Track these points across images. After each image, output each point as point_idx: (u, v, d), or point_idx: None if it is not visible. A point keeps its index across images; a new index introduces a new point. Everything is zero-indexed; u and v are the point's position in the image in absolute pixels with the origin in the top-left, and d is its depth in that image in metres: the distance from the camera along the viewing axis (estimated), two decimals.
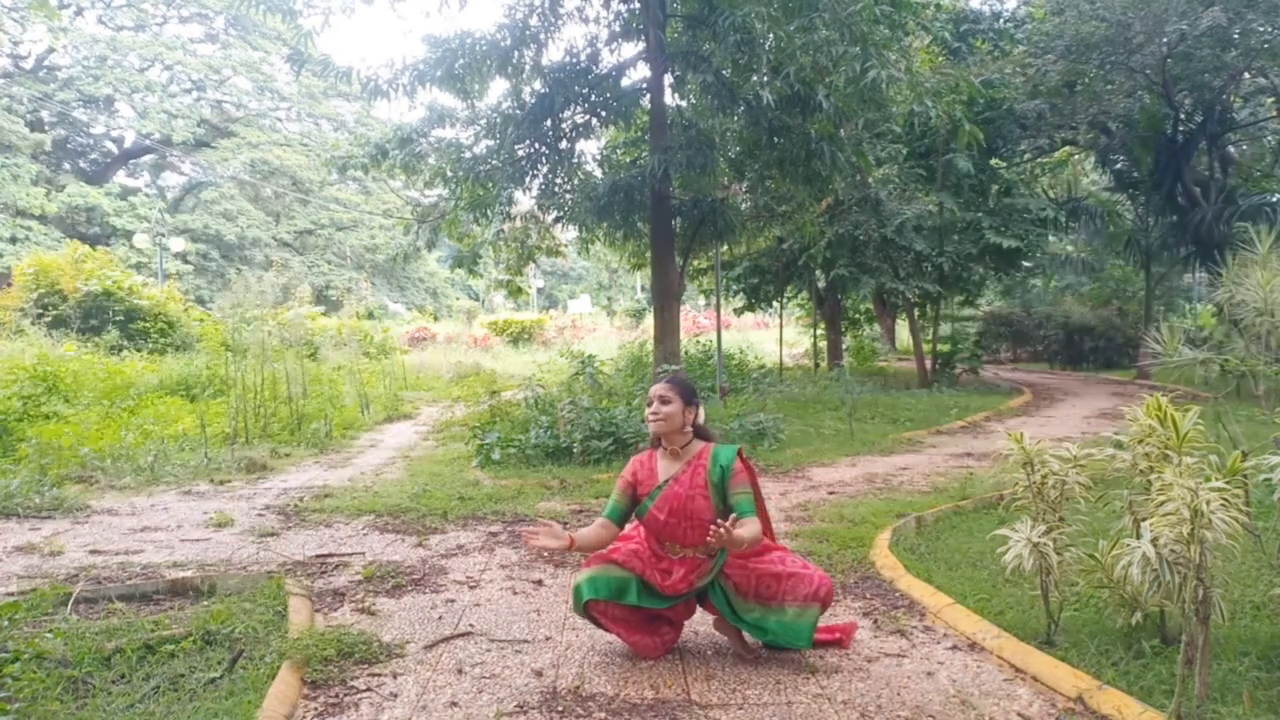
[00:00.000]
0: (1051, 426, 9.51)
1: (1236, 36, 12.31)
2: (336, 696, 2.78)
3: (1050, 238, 15.86)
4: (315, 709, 2.69)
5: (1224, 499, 2.35)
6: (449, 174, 10.37)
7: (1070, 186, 18.79)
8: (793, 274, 16.52)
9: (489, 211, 10.40)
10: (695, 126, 9.63)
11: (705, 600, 3.13)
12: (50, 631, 3.14)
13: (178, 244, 29.43)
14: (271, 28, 33.51)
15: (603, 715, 2.64)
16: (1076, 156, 18.82)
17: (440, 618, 3.57)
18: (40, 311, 15.42)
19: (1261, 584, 3.58)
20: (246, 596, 3.73)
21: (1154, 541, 2.41)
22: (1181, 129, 14.32)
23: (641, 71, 9.96)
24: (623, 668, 3.00)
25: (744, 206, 12.34)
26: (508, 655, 3.15)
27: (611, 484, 3.58)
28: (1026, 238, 13.78)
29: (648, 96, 9.79)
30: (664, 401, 3.07)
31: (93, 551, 4.73)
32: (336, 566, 4.40)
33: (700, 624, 3.34)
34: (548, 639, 3.32)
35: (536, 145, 9.93)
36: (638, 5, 9.44)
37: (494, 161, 9.93)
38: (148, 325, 16.07)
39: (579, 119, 10.12)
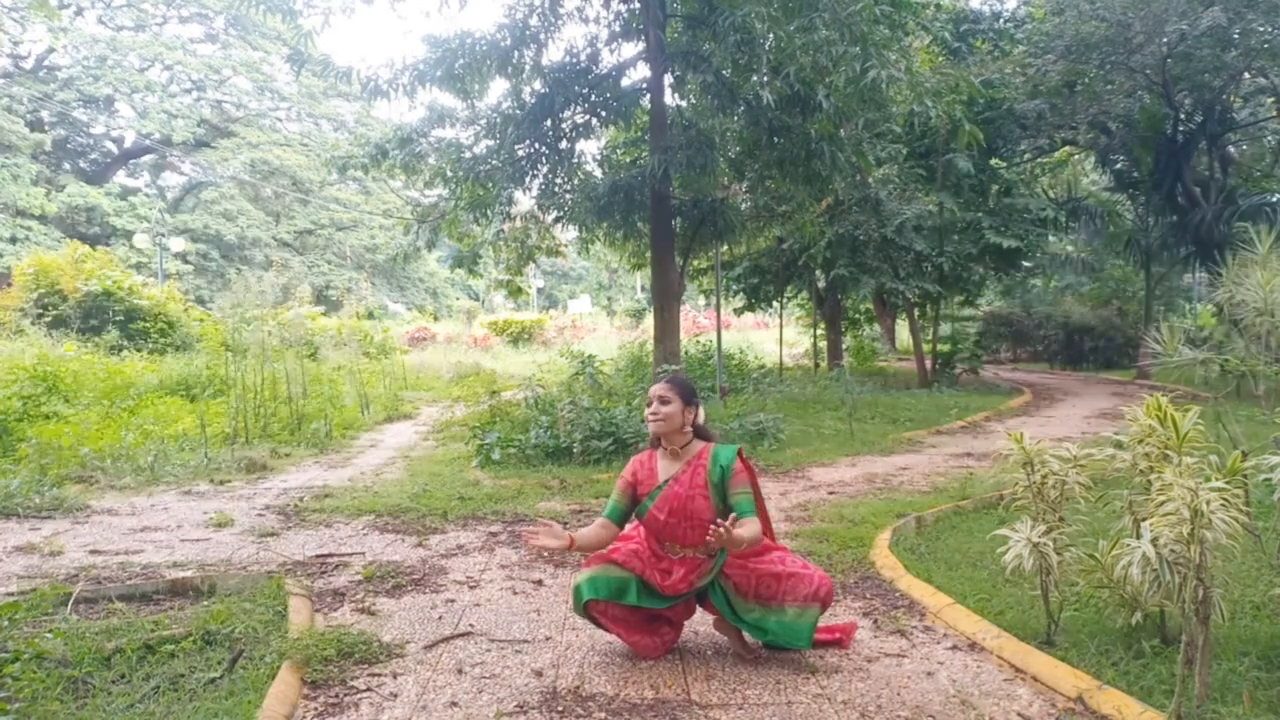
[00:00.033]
0: (1051, 426, 9.51)
1: (1236, 36, 12.31)
2: (336, 696, 2.78)
3: (1050, 238, 15.86)
4: (315, 709, 2.69)
5: (1224, 499, 2.35)
6: (449, 174, 10.37)
7: (1070, 186, 18.79)
8: (793, 274, 16.52)
9: (489, 211, 10.41)
10: (695, 126, 9.63)
11: (705, 600, 3.13)
12: (50, 631, 3.14)
13: (178, 244, 29.43)
14: (271, 28, 33.52)
15: (603, 715, 2.64)
16: (1076, 156, 18.82)
17: (440, 618, 3.57)
18: (40, 311, 15.42)
19: (1261, 584, 3.58)
20: (246, 596, 3.73)
21: (1154, 541, 2.41)
22: (1181, 129, 14.32)
23: (641, 71, 9.96)
24: (623, 668, 3.00)
25: (744, 206, 12.34)
26: (508, 655, 3.15)
27: (611, 484, 3.58)
28: (1026, 238, 13.78)
29: (648, 96, 9.79)
30: (663, 401, 3.07)
31: (93, 551, 4.73)
32: (336, 566, 4.40)
33: (700, 624, 3.34)
34: (548, 639, 3.32)
35: (536, 145, 9.93)
36: (638, 5, 9.44)
37: (494, 161, 9.93)
38: (148, 325, 16.07)
39: (579, 119, 10.12)
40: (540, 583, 4.08)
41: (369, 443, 9.57)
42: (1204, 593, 2.38)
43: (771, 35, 7.90)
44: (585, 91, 9.72)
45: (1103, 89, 13.67)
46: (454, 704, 2.73)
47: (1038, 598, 3.21)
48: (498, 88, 14.52)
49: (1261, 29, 12.51)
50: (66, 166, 34.72)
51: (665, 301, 10.02)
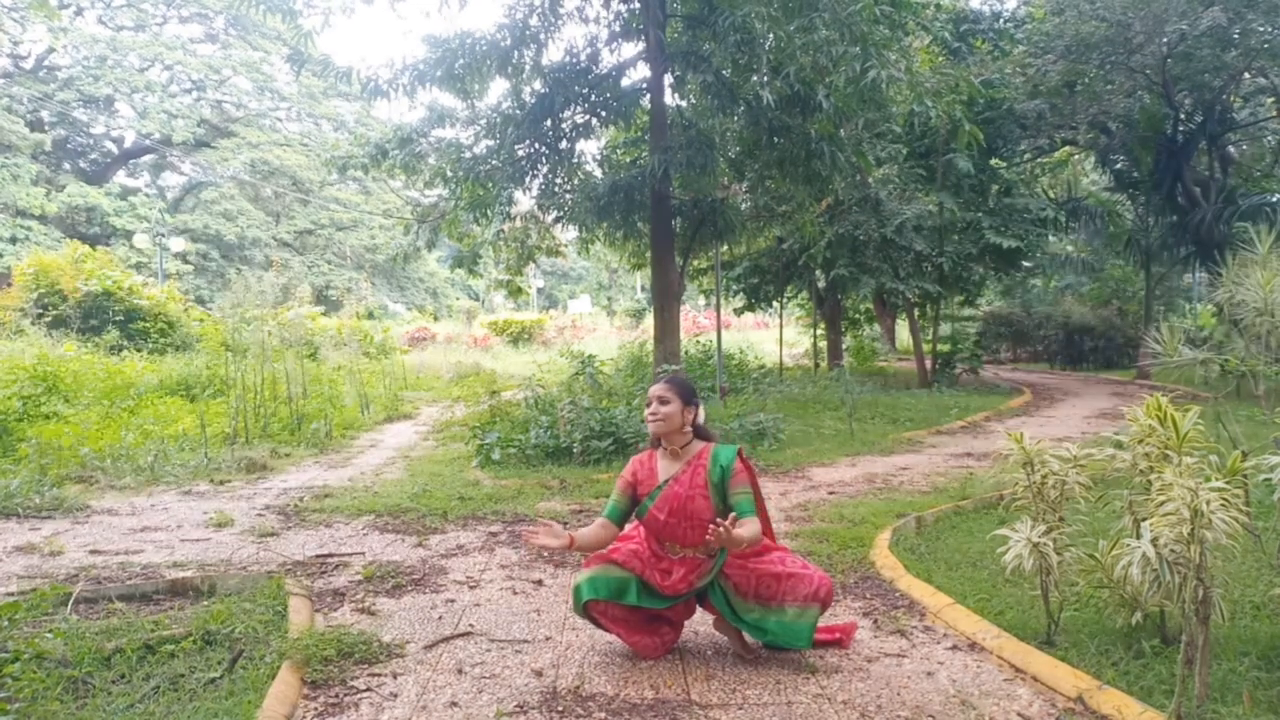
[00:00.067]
0: (1051, 426, 9.51)
1: (1236, 36, 12.31)
2: (336, 696, 2.78)
3: (1050, 238, 15.86)
4: (315, 709, 2.69)
5: (1224, 499, 2.35)
6: (449, 174, 10.37)
7: (1070, 186, 18.80)
8: (793, 274, 16.52)
9: (489, 211, 10.40)
10: (695, 126, 9.63)
11: (705, 600, 3.13)
12: (50, 631, 3.14)
13: (178, 244, 29.43)
14: (271, 28, 33.52)
15: (603, 715, 2.64)
16: (1076, 156, 18.82)
17: (440, 618, 3.57)
18: (40, 311, 15.42)
19: (1261, 584, 3.58)
20: (246, 596, 3.73)
21: (1154, 541, 2.41)
22: (1181, 129, 14.32)
23: (641, 71, 9.96)
24: (623, 668, 3.00)
25: (744, 206, 12.34)
26: (508, 655, 3.15)
27: (611, 484, 3.58)
28: (1026, 238, 13.78)
29: (648, 96, 9.79)
30: (663, 402, 3.07)
31: (93, 551, 4.73)
32: (336, 566, 4.40)
33: (700, 624, 3.34)
34: (548, 639, 3.32)
35: (536, 145, 9.93)
36: (638, 5, 9.44)
37: (494, 161, 9.93)
38: (148, 325, 16.08)
39: (579, 119, 10.12)
40: (540, 583, 4.08)
41: (369, 443, 9.57)
42: (1204, 593, 2.38)
43: (771, 35, 7.91)
44: (585, 91, 9.72)
45: (1103, 89, 13.67)
46: (454, 704, 2.73)
47: (1038, 598, 3.21)
48: (498, 88, 14.53)
49: (1261, 29, 12.51)
50: (66, 166, 34.73)
51: (665, 301, 10.02)
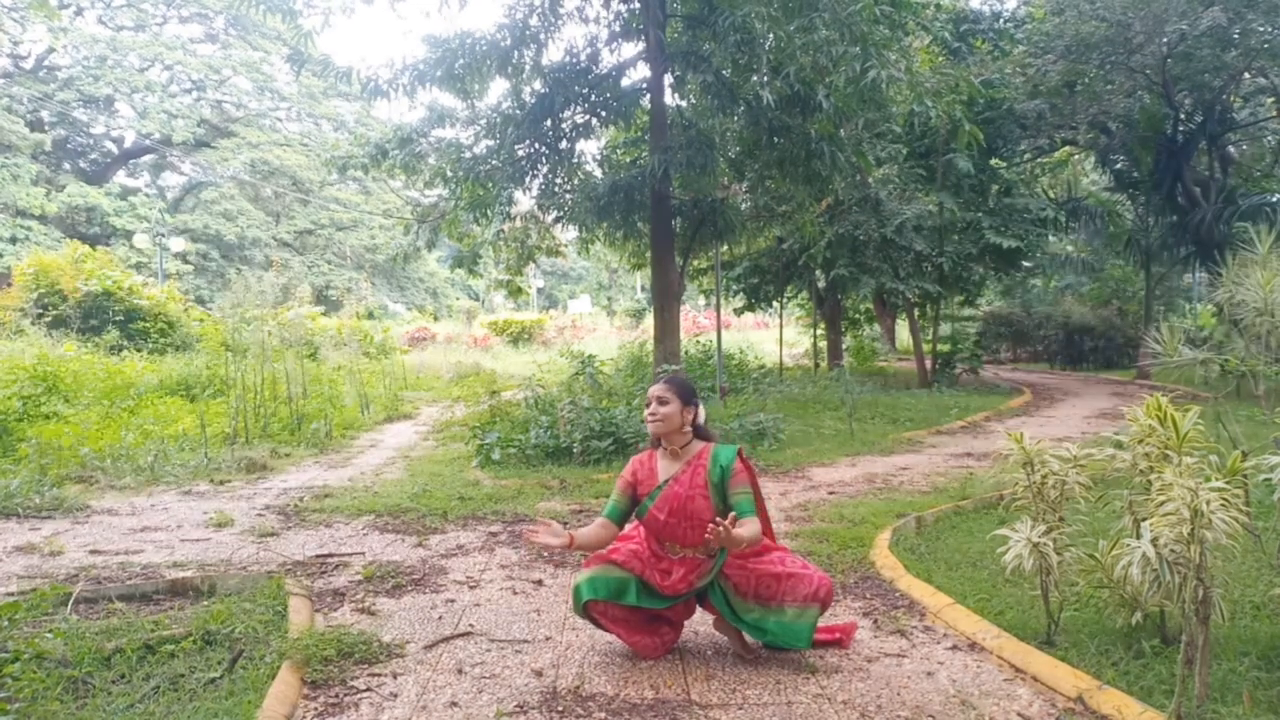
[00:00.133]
0: (1051, 426, 9.51)
1: (1236, 36, 12.31)
2: (336, 696, 2.78)
3: (1050, 238, 15.86)
4: (315, 709, 2.69)
5: (1224, 499, 2.35)
6: (449, 174, 10.37)
7: (1070, 186, 18.80)
8: (793, 274, 16.52)
9: (489, 211, 10.40)
10: (695, 126, 9.63)
11: (705, 600, 3.13)
12: (50, 631, 3.14)
13: (178, 244, 29.43)
14: (271, 28, 33.52)
15: (603, 715, 2.64)
16: (1076, 156, 18.82)
17: (440, 618, 3.57)
18: (40, 311, 15.42)
19: (1261, 584, 3.58)
20: (246, 596, 3.73)
21: (1154, 541, 2.41)
22: (1181, 129, 14.32)
23: (641, 71, 9.96)
24: (623, 668, 3.00)
25: (744, 206, 12.34)
26: (508, 655, 3.15)
27: (611, 484, 3.58)
28: (1026, 238, 13.78)
29: (648, 96, 9.79)
30: (662, 402, 3.07)
31: (93, 551, 4.73)
32: (336, 566, 4.40)
33: (700, 624, 3.34)
34: (548, 639, 3.32)
35: (536, 145, 9.93)
36: (638, 5, 9.44)
37: (494, 161, 9.93)
38: (148, 325, 16.07)
39: (579, 119, 10.12)
40: (540, 583, 4.08)
41: (369, 443, 9.57)
42: (1204, 593, 2.38)
43: (771, 35, 7.90)
44: (585, 91, 9.72)
45: (1103, 89, 13.67)
46: (454, 704, 2.73)
47: (1038, 598, 3.21)
48: (498, 88, 14.53)
49: (1261, 29, 12.51)
50: (66, 166, 34.73)
51: (665, 301, 10.02)
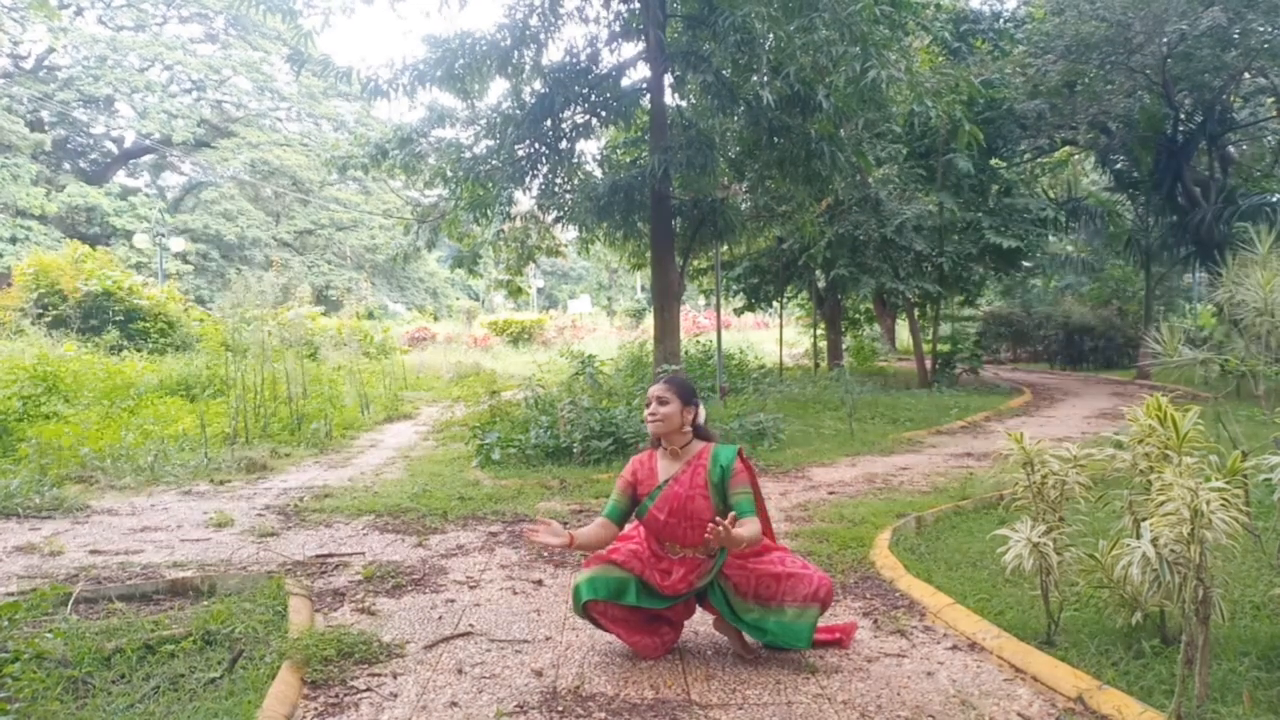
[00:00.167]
0: (1051, 426, 9.51)
1: (1236, 36, 12.31)
2: (336, 696, 2.78)
3: (1050, 238, 15.86)
4: (315, 709, 2.69)
5: (1224, 499, 2.35)
6: (449, 174, 10.37)
7: (1070, 186, 18.79)
8: (793, 274, 16.52)
9: (489, 211, 10.41)
10: (695, 126, 9.63)
11: (705, 600, 3.13)
12: (50, 631, 3.14)
13: (178, 244, 29.43)
14: (271, 28, 33.52)
15: (603, 715, 2.64)
16: (1076, 156, 18.82)
17: (440, 618, 3.57)
18: (40, 311, 15.42)
19: (1261, 584, 3.58)
20: (246, 596, 3.73)
21: (1154, 541, 2.41)
22: (1181, 129, 14.32)
23: (641, 71, 9.96)
24: (623, 668, 3.00)
25: (744, 206, 12.34)
26: (508, 655, 3.15)
27: (611, 484, 3.58)
28: (1026, 238, 13.79)
29: (648, 96, 9.79)
30: (662, 402, 3.07)
31: (93, 551, 4.73)
32: (336, 566, 4.40)
33: (700, 624, 3.34)
34: (548, 639, 3.32)
35: (536, 145, 9.93)
36: (638, 5, 9.44)
37: (494, 161, 9.93)
38: (148, 325, 16.08)
39: (579, 119, 10.12)
40: (540, 583, 4.08)
41: (369, 443, 9.57)
42: (1204, 593, 2.38)
43: (771, 35, 7.90)
44: (585, 91, 9.72)
45: (1103, 89, 13.67)
46: (454, 704, 2.73)
47: (1038, 598, 3.21)
48: (498, 88, 14.53)
49: (1261, 29, 12.51)
50: (66, 166, 34.73)
51: (665, 301, 10.02)
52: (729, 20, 7.95)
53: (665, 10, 9.27)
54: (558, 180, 10.49)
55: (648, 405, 3.11)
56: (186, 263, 33.33)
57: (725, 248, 13.21)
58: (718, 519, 2.76)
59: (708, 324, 26.29)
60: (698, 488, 3.03)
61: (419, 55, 8.97)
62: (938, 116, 9.35)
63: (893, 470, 7.05)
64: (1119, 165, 16.07)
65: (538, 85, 9.72)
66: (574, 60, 9.66)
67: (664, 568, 3.05)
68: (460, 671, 3.00)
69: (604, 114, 10.05)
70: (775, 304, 18.05)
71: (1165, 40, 12.33)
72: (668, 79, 9.63)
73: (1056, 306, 21.16)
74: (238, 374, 9.41)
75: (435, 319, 34.63)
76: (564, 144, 10.16)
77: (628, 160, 11.69)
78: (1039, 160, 17.06)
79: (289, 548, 4.80)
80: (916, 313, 15.77)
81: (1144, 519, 2.65)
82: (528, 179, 10.19)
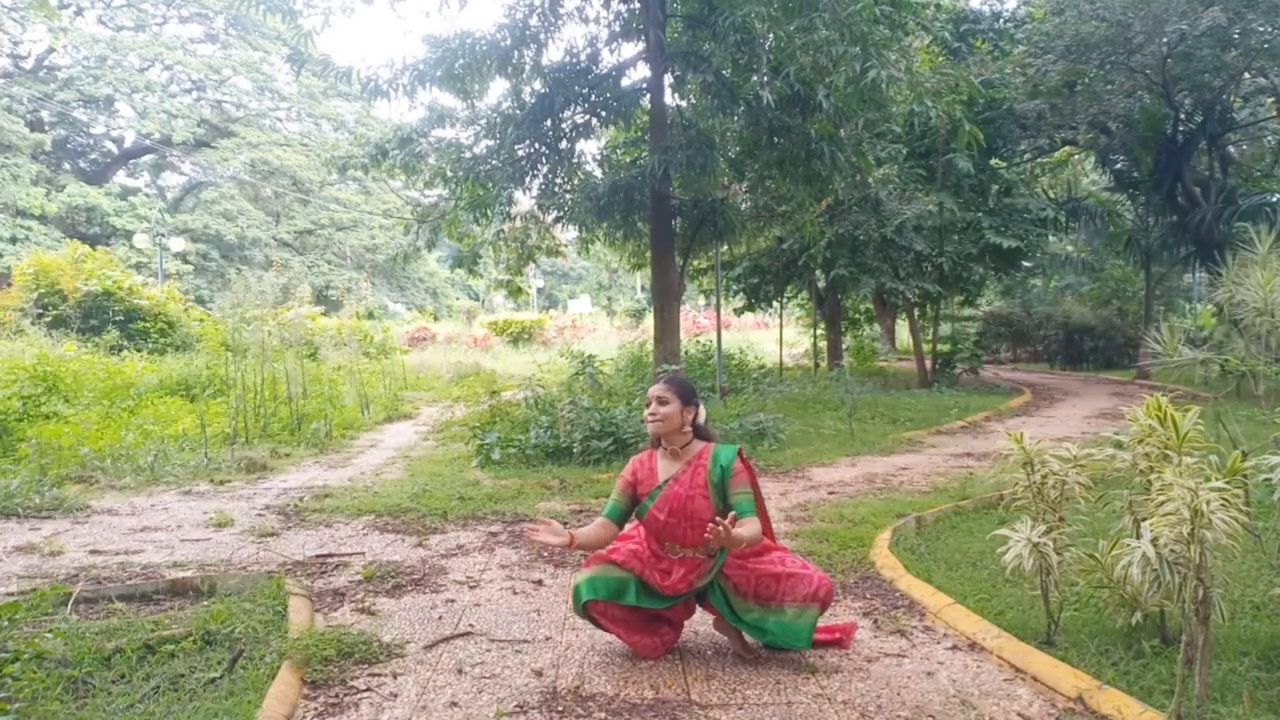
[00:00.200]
0: (1051, 426, 9.51)
1: (1236, 36, 12.31)
2: (336, 696, 2.78)
3: (1050, 238, 15.86)
4: (315, 709, 2.69)
5: (1224, 499, 2.35)
6: (449, 174, 10.37)
7: (1070, 186, 18.80)
8: (793, 274, 16.52)
9: (489, 211, 10.41)
10: (695, 126, 9.63)
11: (705, 600, 3.13)
12: (50, 631, 3.14)
13: (178, 244, 29.43)
14: (271, 28, 33.52)
15: (603, 715, 2.64)
16: (1076, 156, 18.82)
17: (440, 618, 3.57)
18: (40, 311, 15.42)
19: (1261, 584, 3.58)
20: (246, 596, 3.73)
21: (1154, 541, 2.41)
22: (1181, 129, 14.32)
23: (641, 71, 9.96)
24: (623, 668, 3.00)
25: (744, 206, 12.34)
26: (508, 655, 3.15)
27: (611, 484, 3.58)
28: (1026, 238, 13.79)
29: (648, 96, 9.79)
30: (662, 402, 3.07)
31: (93, 551, 4.73)
32: (336, 566, 4.40)
33: (700, 624, 3.34)
34: (548, 639, 3.32)
35: (536, 145, 9.93)
36: (638, 5, 9.44)
37: (494, 161, 9.93)
38: (148, 325, 16.08)
39: (579, 119, 10.12)
40: (540, 583, 4.09)
41: (369, 443, 9.57)
42: (1204, 593, 2.38)
43: (771, 35, 7.90)
44: (585, 91, 9.72)
45: (1103, 89, 13.67)
46: (454, 704, 2.73)
47: (1038, 598, 3.21)
48: (498, 88, 14.53)
49: (1261, 29, 12.51)
50: (66, 166, 34.73)
51: (665, 301, 10.02)
52: (729, 20, 7.95)
53: (665, 10, 9.27)
54: (558, 180, 10.50)
55: (648, 405, 3.11)
56: (186, 263, 33.33)
57: (725, 248, 13.21)
58: (718, 519, 2.76)
59: (708, 324, 26.29)
60: (698, 488, 3.03)
61: (419, 55, 8.97)
62: (938, 116, 9.35)
63: (893, 470, 7.05)
64: (1119, 165, 16.07)
65: (538, 85, 9.72)
66: (574, 60, 9.66)
67: (664, 568, 3.05)
68: (460, 671, 3.00)
69: (604, 114, 10.05)
70: (775, 304, 18.05)
71: (1165, 40, 12.33)
72: (668, 79, 9.63)
73: (1056, 306, 21.17)
74: (238, 374, 9.41)
75: (435, 319, 34.63)
76: (564, 144, 10.16)
77: (628, 160, 11.69)
78: (1039, 160, 17.06)
79: (289, 548, 4.80)
80: (916, 313, 15.77)
81: (1144, 519, 2.65)
82: (528, 179, 10.19)
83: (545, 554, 4.52)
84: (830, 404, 10.95)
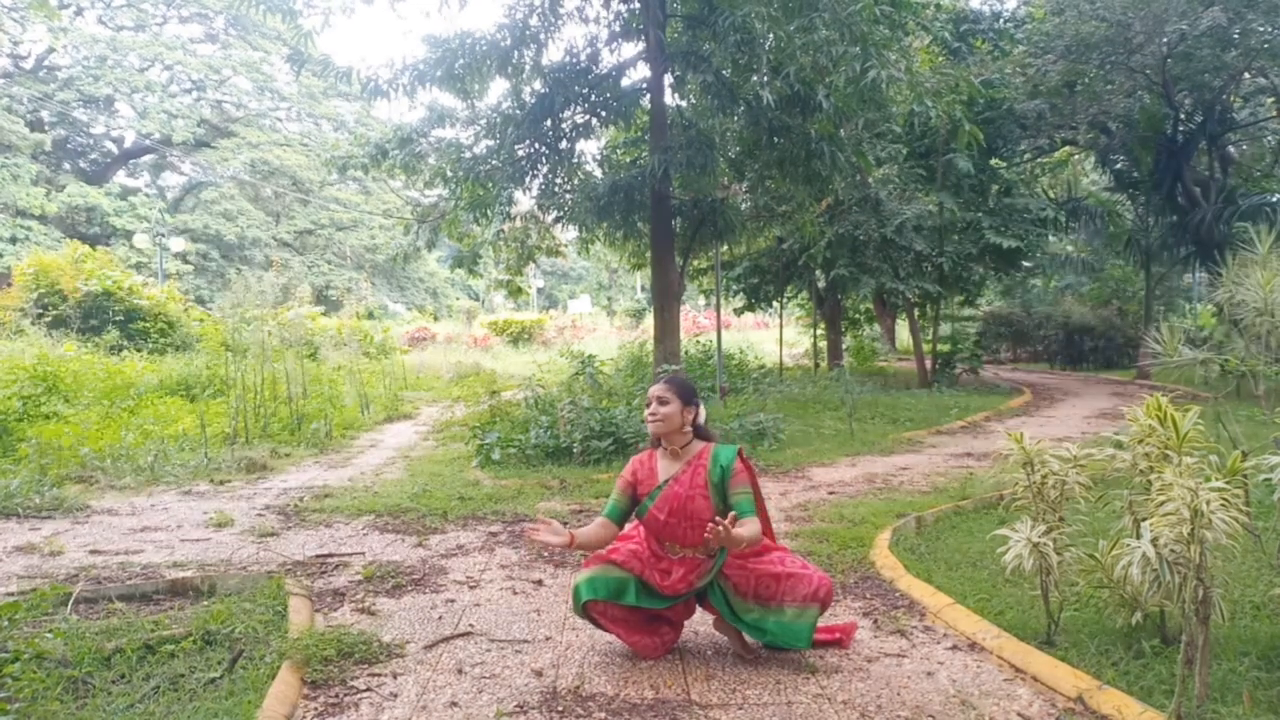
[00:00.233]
0: (1051, 426, 9.51)
1: (1236, 36, 12.31)
2: (336, 696, 2.78)
3: (1050, 238, 15.86)
4: (315, 709, 2.69)
5: (1224, 499, 2.35)
6: (449, 174, 10.37)
7: (1070, 186, 18.80)
8: (793, 274, 16.52)
9: (489, 211, 10.41)
10: (695, 126, 9.63)
11: (705, 600, 3.13)
12: (50, 631, 3.14)
13: (178, 244, 29.43)
14: (271, 28, 33.52)
15: (603, 715, 2.64)
16: (1076, 156, 18.82)
17: (440, 618, 3.57)
18: (40, 311, 15.42)
19: (1261, 584, 3.58)
20: (246, 596, 3.73)
21: (1154, 541, 2.41)
22: (1181, 129, 14.32)
23: (641, 71, 9.96)
24: (623, 668, 3.00)
25: (744, 206, 12.34)
26: (508, 655, 3.15)
27: (611, 484, 3.58)
28: (1026, 238, 13.79)
29: (648, 96, 9.79)
30: (662, 402, 3.07)
31: (93, 551, 4.73)
32: (336, 566, 4.40)
33: (700, 624, 3.34)
34: (548, 639, 3.32)
35: (536, 145, 9.93)
36: (638, 5, 9.44)
37: (494, 161, 9.93)
38: (148, 325, 16.08)
39: (579, 119, 10.12)
40: (540, 583, 4.08)
41: (369, 443, 9.57)
42: (1204, 593, 2.38)
43: (771, 35, 7.90)
44: (585, 91, 9.72)
45: (1103, 89, 13.67)
46: (454, 704, 2.73)
47: (1038, 598, 3.21)
48: (498, 88, 14.53)
49: (1261, 29, 12.51)
50: (66, 166, 34.73)
51: (665, 301, 10.02)
52: (729, 20, 7.95)
53: (665, 10, 9.27)
54: (558, 180, 10.50)
55: (648, 405, 3.11)
56: (186, 263, 33.33)
57: (725, 248, 13.21)
58: (717, 519, 2.76)
59: (708, 324, 26.29)
60: (698, 488, 3.03)
61: (419, 55, 8.97)
62: (938, 116, 9.35)
63: (893, 470, 7.05)
64: (1119, 165, 16.07)
65: (538, 85, 9.72)
66: (574, 60, 9.66)
67: (664, 568, 3.05)
68: (460, 671, 3.00)
69: (604, 114, 10.05)
70: (775, 304, 18.05)
71: (1165, 40, 12.33)
72: (668, 79, 9.63)
73: (1056, 306, 21.17)
74: (238, 374, 9.41)
75: (435, 319, 34.64)
76: (564, 144, 10.16)
77: (628, 160, 11.69)
78: (1039, 160, 17.06)
79: (289, 548, 4.80)
80: (916, 313, 15.77)
81: (1144, 519, 2.65)
82: (528, 179, 10.19)
83: (545, 554, 4.52)
84: (830, 404, 10.95)
